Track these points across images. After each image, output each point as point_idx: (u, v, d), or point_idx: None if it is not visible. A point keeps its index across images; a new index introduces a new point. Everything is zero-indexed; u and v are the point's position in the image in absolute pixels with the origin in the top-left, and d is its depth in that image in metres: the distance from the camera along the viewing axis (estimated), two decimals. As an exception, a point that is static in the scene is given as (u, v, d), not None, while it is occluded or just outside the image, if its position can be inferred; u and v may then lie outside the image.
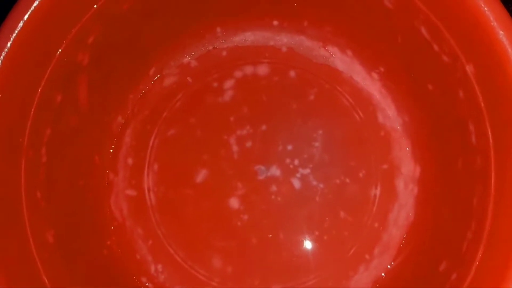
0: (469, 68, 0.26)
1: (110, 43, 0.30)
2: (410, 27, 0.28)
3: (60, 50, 0.27)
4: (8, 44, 0.25)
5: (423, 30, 0.28)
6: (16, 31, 0.25)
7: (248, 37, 0.34)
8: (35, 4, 0.25)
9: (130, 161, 0.33)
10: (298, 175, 0.33)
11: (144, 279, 0.32)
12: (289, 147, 0.33)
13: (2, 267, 0.24)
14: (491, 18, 0.24)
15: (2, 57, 0.25)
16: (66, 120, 0.30)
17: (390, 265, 0.32)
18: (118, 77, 0.32)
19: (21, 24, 0.25)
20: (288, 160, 0.33)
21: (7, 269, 0.24)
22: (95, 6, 0.28)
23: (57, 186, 0.29)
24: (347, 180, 0.33)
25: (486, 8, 0.24)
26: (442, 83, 0.29)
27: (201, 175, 0.33)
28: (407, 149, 0.33)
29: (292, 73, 0.34)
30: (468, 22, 0.25)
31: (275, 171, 0.33)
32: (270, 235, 0.32)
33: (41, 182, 0.27)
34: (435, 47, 0.28)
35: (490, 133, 0.26)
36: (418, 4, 0.27)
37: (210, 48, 0.34)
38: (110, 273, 0.31)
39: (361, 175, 0.33)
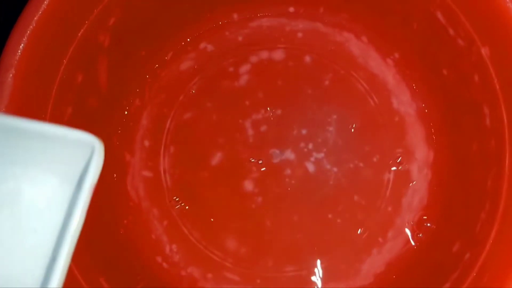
0: (484, 51, 0.26)
1: (130, 27, 0.31)
2: (426, 12, 0.29)
3: (82, 31, 0.28)
4: (33, 23, 0.26)
5: (439, 15, 0.28)
6: (40, 11, 0.26)
7: (264, 23, 0.35)
8: (59, -16, 0.26)
9: (146, 143, 0.34)
10: (312, 159, 0.33)
11: (159, 259, 0.32)
12: (304, 131, 0.33)
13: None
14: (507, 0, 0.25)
15: (26, 35, 0.26)
16: (86, 101, 0.30)
17: (403, 248, 0.32)
18: (136, 60, 0.33)
19: (45, 3, 0.26)
20: (302, 144, 0.33)
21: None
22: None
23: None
24: (361, 165, 0.33)
25: (502, -10, 0.25)
26: (457, 67, 0.29)
27: (217, 158, 0.33)
28: (421, 134, 0.33)
29: (307, 59, 0.34)
30: (484, 4, 0.25)
31: (289, 154, 0.33)
32: (284, 218, 0.33)
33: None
34: (451, 31, 0.28)
35: (505, 115, 0.26)
36: (435, -13, 0.27)
37: (227, 33, 0.35)
38: (126, 252, 0.32)
39: (375, 159, 0.33)
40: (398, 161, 0.33)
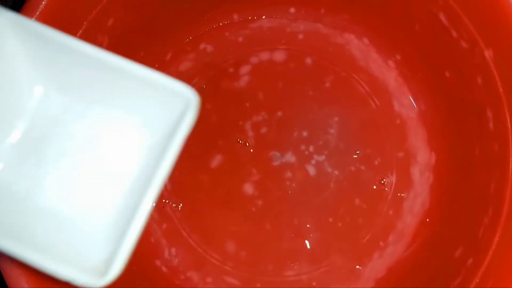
0: (488, 53, 0.26)
1: (128, 27, 0.31)
2: (428, 13, 0.29)
3: (80, 31, 0.28)
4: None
5: (442, 16, 0.28)
6: (38, 11, 0.26)
7: (265, 24, 0.35)
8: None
9: (145, 145, 0.33)
10: (313, 161, 0.33)
11: (158, 262, 0.32)
12: (305, 134, 0.33)
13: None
14: (511, 1, 0.24)
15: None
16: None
17: (405, 252, 0.32)
18: (135, 61, 0.33)
19: (43, 4, 0.26)
20: (303, 147, 0.33)
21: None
22: (115, -12, 0.28)
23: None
24: (362, 168, 0.33)
25: (507, -8, 0.24)
26: (460, 70, 0.29)
27: (216, 161, 0.33)
28: (423, 137, 0.33)
29: (308, 60, 0.34)
30: (487, 6, 0.25)
31: (290, 157, 0.33)
32: (284, 221, 0.32)
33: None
34: (454, 33, 0.28)
35: (508, 119, 0.26)
36: (438, -11, 0.27)
37: (227, 34, 0.34)
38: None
39: (376, 162, 0.33)
40: (399, 164, 0.33)
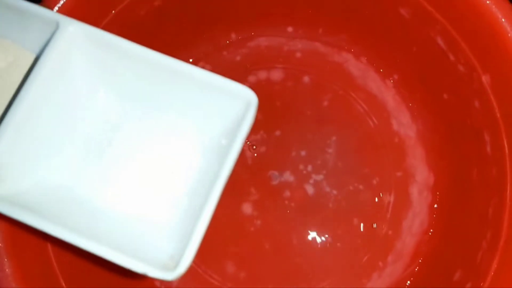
0: (485, 79, 0.26)
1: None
2: (426, 36, 0.29)
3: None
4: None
5: (439, 40, 0.28)
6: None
7: (262, 43, 0.35)
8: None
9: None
10: (311, 181, 0.33)
11: (157, 283, 0.32)
12: (303, 153, 0.33)
13: (21, 270, 0.25)
14: (509, 29, 0.24)
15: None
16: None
17: (404, 273, 0.32)
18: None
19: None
20: (301, 166, 0.33)
21: (26, 271, 0.25)
22: (113, 11, 0.28)
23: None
24: (361, 187, 0.33)
25: (503, 20, 0.24)
26: (457, 93, 0.29)
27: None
28: (422, 156, 0.33)
29: (306, 79, 0.34)
30: (485, 32, 0.25)
31: (288, 176, 0.33)
32: (283, 241, 0.32)
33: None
34: (451, 57, 0.28)
35: (506, 145, 0.26)
36: (435, 14, 0.27)
37: (225, 53, 0.34)
38: (124, 275, 0.31)
39: (374, 182, 0.33)
40: (398, 183, 0.33)
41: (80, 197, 0.22)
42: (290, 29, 0.34)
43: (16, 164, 0.21)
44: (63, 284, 0.26)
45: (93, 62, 0.22)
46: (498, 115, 0.26)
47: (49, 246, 0.27)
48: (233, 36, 0.34)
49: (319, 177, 0.33)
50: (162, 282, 0.32)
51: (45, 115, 0.21)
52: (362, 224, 0.32)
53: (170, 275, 0.19)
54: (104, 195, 0.22)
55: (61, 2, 0.26)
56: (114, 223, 0.22)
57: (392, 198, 0.33)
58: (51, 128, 0.22)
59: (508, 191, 0.26)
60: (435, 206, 0.32)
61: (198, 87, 0.22)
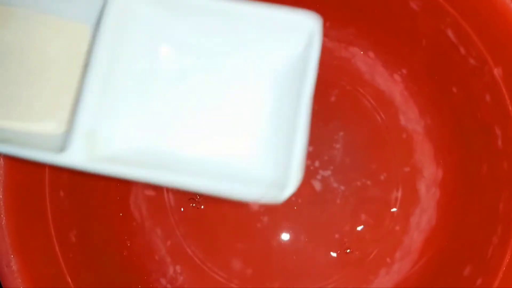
0: (497, 72, 0.26)
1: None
2: (436, 29, 0.28)
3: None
4: None
5: (450, 33, 0.28)
6: None
7: (269, 38, 0.34)
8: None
9: (149, 161, 0.33)
10: (318, 177, 0.33)
11: (163, 281, 0.32)
12: (310, 149, 0.33)
13: (27, 267, 0.24)
14: (522, 21, 0.24)
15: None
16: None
17: (412, 269, 0.31)
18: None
19: None
20: (308, 162, 0.33)
21: (32, 269, 0.24)
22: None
23: (79, 186, 0.29)
24: (368, 183, 0.32)
25: (517, 11, 0.24)
26: (467, 86, 0.28)
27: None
28: (430, 152, 0.32)
29: (313, 74, 0.34)
30: (497, 25, 0.25)
31: (295, 172, 0.33)
32: (290, 237, 0.32)
33: (64, 182, 0.27)
34: (462, 50, 0.27)
35: (518, 138, 0.26)
36: (446, 6, 0.26)
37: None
38: (130, 273, 0.31)
39: (382, 178, 0.32)
40: (405, 179, 0.32)
41: (170, 150, 0.22)
42: (297, 23, 0.34)
43: (103, 128, 0.21)
44: (70, 282, 0.26)
45: (148, 20, 0.22)
46: (510, 108, 0.26)
47: (56, 244, 0.26)
48: (239, 30, 0.34)
49: (327, 173, 0.33)
50: (168, 279, 0.32)
51: (116, 80, 0.21)
52: (369, 220, 0.32)
53: (283, 194, 0.20)
54: (192, 144, 0.22)
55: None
56: (209, 166, 0.22)
57: (399, 194, 0.32)
58: (125, 90, 0.22)
59: (520, 185, 0.25)
60: (444, 202, 0.32)
61: (257, 24, 0.21)
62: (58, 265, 0.26)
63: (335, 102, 0.33)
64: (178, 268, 0.32)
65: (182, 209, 0.33)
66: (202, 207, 0.33)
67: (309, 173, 0.33)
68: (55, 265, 0.26)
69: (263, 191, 0.20)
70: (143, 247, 0.32)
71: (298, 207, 0.32)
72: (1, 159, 0.25)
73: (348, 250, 0.32)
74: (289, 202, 0.32)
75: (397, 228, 0.32)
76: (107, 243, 0.30)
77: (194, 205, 0.33)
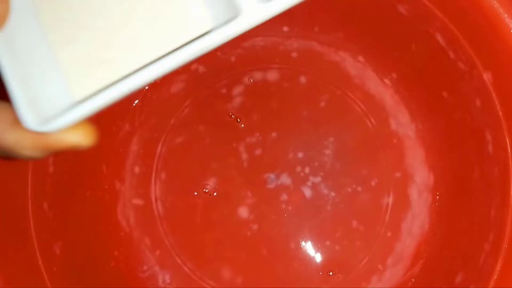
0: (486, 76, 0.25)
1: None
2: (425, 34, 0.28)
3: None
4: None
5: (439, 37, 0.27)
6: None
7: (258, 43, 0.34)
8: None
9: (137, 169, 0.33)
10: (309, 183, 0.32)
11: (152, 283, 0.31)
12: (300, 155, 0.32)
13: (9, 280, 0.24)
14: (511, 25, 0.24)
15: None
16: (73, 129, 0.29)
17: (404, 276, 0.31)
18: None
19: None
20: (298, 168, 0.32)
21: (14, 282, 0.24)
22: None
23: (64, 197, 0.28)
24: (359, 189, 0.32)
25: (505, 16, 0.24)
26: (457, 91, 0.28)
27: (210, 184, 0.32)
28: (421, 156, 0.32)
29: (302, 79, 0.33)
30: (486, 29, 0.24)
31: (285, 179, 0.32)
32: (280, 245, 0.32)
33: (48, 193, 0.27)
34: (451, 55, 0.27)
35: (508, 143, 0.25)
36: (435, 11, 0.26)
37: (219, 53, 0.34)
38: (118, 284, 0.31)
39: (373, 183, 0.32)
40: (397, 184, 0.32)
41: (111, 58, 0.18)
42: (285, 28, 0.33)
43: (39, 89, 0.18)
44: (48, 284, 0.25)
45: None
46: (500, 113, 0.25)
47: (39, 257, 0.26)
48: (227, 36, 0.33)
49: (317, 179, 0.32)
50: (164, 281, 0.31)
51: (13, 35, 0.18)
52: (360, 227, 0.32)
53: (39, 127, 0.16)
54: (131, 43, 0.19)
55: None
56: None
57: (391, 200, 0.32)
58: (27, 39, 0.18)
59: (511, 192, 0.25)
60: (435, 207, 0.31)
61: None
62: (42, 279, 0.25)
63: (325, 108, 0.33)
64: (167, 277, 0.32)
65: (171, 218, 0.32)
66: (192, 215, 0.32)
67: (299, 179, 0.32)
68: (38, 280, 0.25)
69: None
70: (131, 257, 0.31)
71: (288, 214, 0.32)
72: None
73: (339, 257, 0.31)
74: (279, 209, 0.32)
75: (389, 234, 0.32)
76: (94, 254, 0.30)
77: (183, 213, 0.32)
